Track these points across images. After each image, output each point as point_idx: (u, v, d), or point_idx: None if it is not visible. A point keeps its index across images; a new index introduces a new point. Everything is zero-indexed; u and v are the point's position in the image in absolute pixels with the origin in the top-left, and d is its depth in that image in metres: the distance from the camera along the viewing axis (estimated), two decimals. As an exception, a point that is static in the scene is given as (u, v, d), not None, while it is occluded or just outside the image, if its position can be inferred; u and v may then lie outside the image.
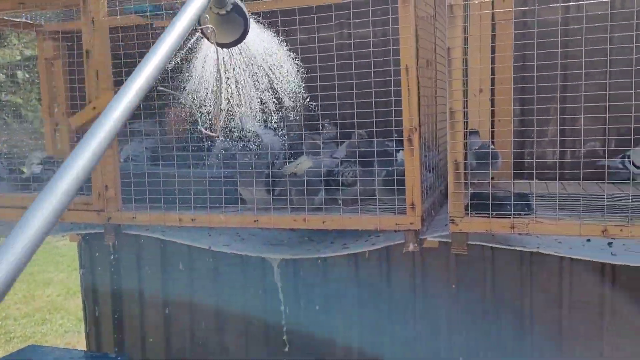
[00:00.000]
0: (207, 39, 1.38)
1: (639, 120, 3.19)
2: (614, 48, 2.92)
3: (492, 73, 3.33)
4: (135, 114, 3.18)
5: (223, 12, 1.34)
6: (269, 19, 3.11)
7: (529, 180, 3.15)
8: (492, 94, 3.33)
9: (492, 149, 3.16)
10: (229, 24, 1.36)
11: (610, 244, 2.69)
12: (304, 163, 3.08)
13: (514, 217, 2.63)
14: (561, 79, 3.27)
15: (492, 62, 3.31)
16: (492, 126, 3.30)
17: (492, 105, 3.34)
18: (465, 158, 3.00)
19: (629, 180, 2.98)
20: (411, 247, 2.77)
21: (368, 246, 2.91)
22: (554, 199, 2.71)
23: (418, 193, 2.75)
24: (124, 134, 3.40)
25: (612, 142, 3.27)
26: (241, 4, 1.37)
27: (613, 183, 3.09)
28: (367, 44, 2.89)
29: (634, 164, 3.05)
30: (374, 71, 2.79)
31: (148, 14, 3.11)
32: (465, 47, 3.06)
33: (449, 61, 2.68)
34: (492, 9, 3.25)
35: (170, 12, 3.06)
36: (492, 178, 3.25)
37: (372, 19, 2.81)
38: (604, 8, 3.09)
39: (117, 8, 3.06)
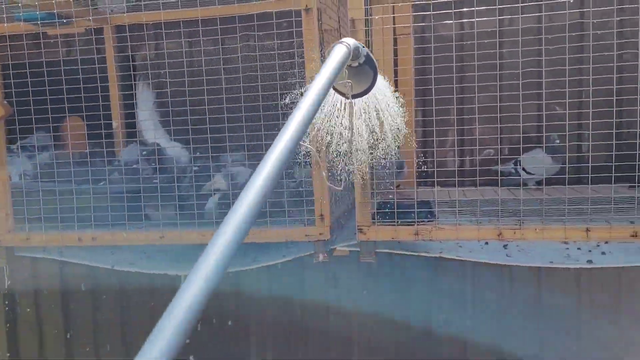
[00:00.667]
0: (339, 92, 1.38)
1: (527, 129, 3.44)
2: (504, 62, 3.12)
3: (395, 85, 3.45)
4: (27, 128, 2.98)
5: (355, 64, 1.35)
6: (172, 30, 3.05)
7: (432, 187, 3.29)
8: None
9: (397, 158, 3.27)
10: (359, 75, 1.38)
11: (505, 246, 2.87)
12: (219, 182, 3.03)
13: (418, 224, 2.73)
14: (458, 91, 3.43)
15: (395, 74, 3.43)
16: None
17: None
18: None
19: (520, 184, 3.19)
20: (321, 257, 2.80)
21: (278, 258, 2.91)
22: (454, 205, 2.84)
23: (327, 204, 2.79)
24: (13, 149, 3.17)
25: (505, 150, 3.49)
26: (371, 54, 1.38)
27: (508, 188, 3.30)
28: (273, 56, 2.90)
29: (524, 170, 3.28)
30: (280, 83, 2.80)
31: (39, 22, 2.93)
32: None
33: (352, 74, 2.74)
34: (393, 24, 3.38)
35: (64, 20, 2.90)
36: (398, 186, 3.36)
37: (276, 32, 2.82)
38: (494, 25, 3.30)
39: (4, 16, 2.86)
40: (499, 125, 2.86)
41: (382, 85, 1.51)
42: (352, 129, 1.48)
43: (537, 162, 3.20)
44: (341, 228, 3.06)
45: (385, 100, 1.52)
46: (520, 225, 2.67)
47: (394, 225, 2.74)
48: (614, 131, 2.68)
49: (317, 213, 2.78)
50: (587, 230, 2.55)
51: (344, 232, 3.02)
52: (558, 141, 3.22)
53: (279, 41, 3.00)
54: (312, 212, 2.79)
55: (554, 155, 3.16)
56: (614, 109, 2.91)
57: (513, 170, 3.32)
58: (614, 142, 2.64)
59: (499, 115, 2.86)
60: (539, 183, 3.35)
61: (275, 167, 0.84)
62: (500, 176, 3.03)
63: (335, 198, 2.98)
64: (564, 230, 2.60)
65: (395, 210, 2.73)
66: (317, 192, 2.78)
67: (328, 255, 2.86)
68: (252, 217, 0.77)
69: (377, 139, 1.57)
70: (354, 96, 1.43)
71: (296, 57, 2.82)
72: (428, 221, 2.76)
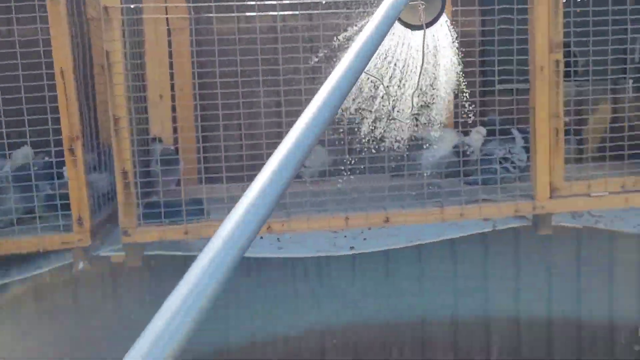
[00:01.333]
0: (401, 22, 1.26)
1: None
2: (282, 58, 3.16)
3: (172, 79, 3.31)
4: None
5: None
6: None
7: (214, 184, 3.20)
8: (174, 100, 3.30)
9: (173, 155, 3.15)
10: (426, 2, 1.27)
11: (279, 238, 2.91)
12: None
13: (187, 223, 2.64)
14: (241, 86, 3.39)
15: (172, 68, 3.29)
16: (175, 132, 3.27)
17: (174, 111, 3.31)
18: (147, 166, 2.93)
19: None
20: (81, 265, 2.57)
21: (33, 270, 2.60)
22: (228, 201, 2.80)
23: (86, 206, 2.56)
24: None
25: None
26: None
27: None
28: (21, 44, 2.58)
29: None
30: (23, 74, 2.51)
31: None
32: (139, 52, 2.98)
33: (108, 65, 2.55)
34: (166, 14, 3.23)
35: None
36: (178, 184, 3.23)
37: (15, 16, 2.52)
38: (272, 20, 3.33)
39: None
40: (283, 120, 2.90)
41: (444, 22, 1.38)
42: (423, 61, 1.35)
43: (313, 155, 3.30)
44: (109, 232, 2.85)
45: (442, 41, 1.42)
46: (288, 217, 2.72)
47: (162, 225, 2.61)
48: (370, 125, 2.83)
49: (75, 217, 2.54)
50: (347, 218, 2.68)
51: (112, 236, 2.81)
52: (334, 136, 3.35)
53: (21, 27, 2.68)
54: (69, 217, 2.54)
55: (330, 148, 3.29)
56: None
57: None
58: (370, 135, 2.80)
59: (283, 109, 2.90)
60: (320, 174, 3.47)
61: (335, 97, 0.79)
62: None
63: (98, 199, 2.76)
64: (327, 220, 2.71)
65: (163, 209, 2.61)
66: (74, 193, 2.54)
67: (92, 262, 2.64)
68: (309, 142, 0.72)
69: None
70: (414, 27, 1.29)
71: (41, 46, 2.53)
72: (198, 219, 2.68)
